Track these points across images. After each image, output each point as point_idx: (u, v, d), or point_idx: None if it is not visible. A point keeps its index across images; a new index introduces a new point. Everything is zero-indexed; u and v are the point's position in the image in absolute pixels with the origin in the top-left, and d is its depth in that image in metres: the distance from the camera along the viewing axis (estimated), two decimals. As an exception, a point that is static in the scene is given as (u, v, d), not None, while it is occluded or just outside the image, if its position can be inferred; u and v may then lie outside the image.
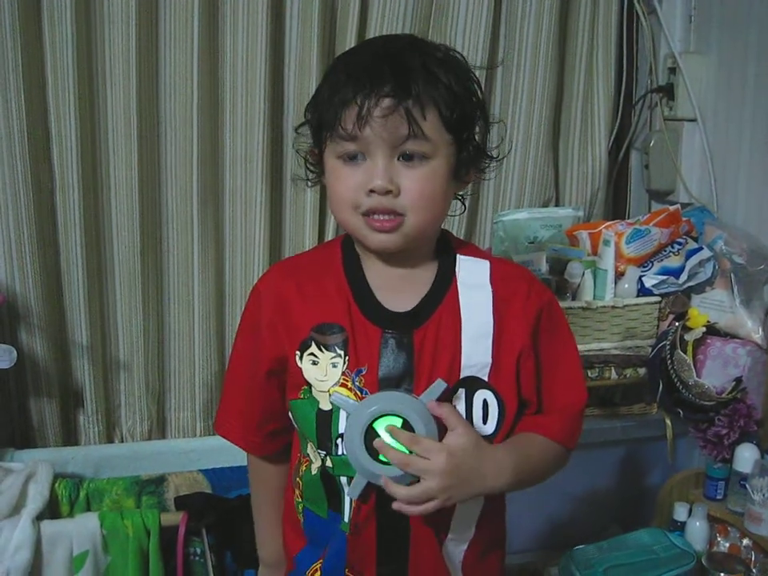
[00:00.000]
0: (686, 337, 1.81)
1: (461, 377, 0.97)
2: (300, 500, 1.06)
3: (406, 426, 0.92)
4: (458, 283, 1.01)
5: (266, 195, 1.97)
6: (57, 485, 1.60)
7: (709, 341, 1.85)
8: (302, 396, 0.99)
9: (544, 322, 1.03)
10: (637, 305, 1.88)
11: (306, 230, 2.02)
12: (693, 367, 1.78)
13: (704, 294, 1.96)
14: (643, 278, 1.91)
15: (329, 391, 0.97)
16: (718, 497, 1.78)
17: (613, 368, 1.84)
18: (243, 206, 1.98)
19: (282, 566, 1.14)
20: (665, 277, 1.91)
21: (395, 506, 0.93)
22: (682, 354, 1.77)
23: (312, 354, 0.98)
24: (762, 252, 1.90)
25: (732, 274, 1.91)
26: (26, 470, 1.58)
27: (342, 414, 0.96)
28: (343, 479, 0.99)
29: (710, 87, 2.11)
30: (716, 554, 1.73)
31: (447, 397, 0.96)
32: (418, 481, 0.92)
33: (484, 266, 1.03)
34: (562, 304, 1.69)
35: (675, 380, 1.77)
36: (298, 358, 0.98)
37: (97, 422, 1.94)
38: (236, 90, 1.92)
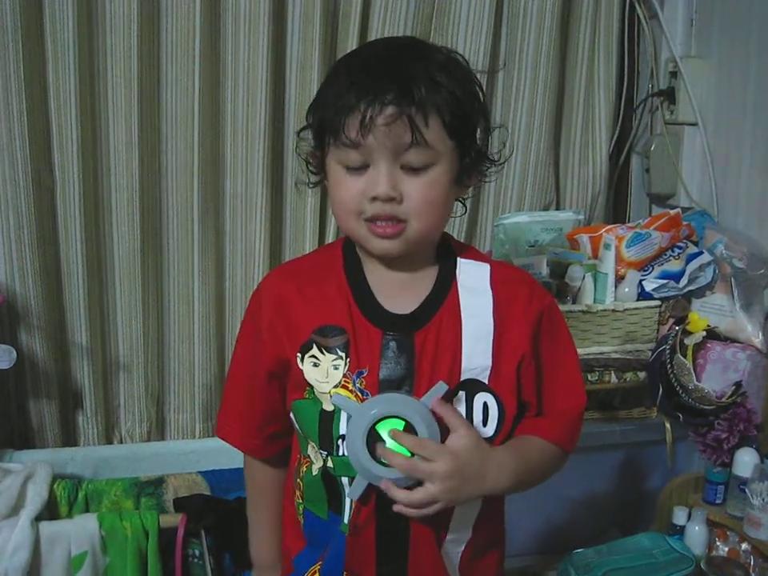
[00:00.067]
0: (686, 341, 1.81)
1: (461, 379, 0.98)
2: (301, 501, 1.06)
3: (408, 428, 0.92)
4: (458, 286, 1.01)
5: (266, 199, 1.97)
6: (56, 486, 1.60)
7: (709, 345, 1.85)
8: (306, 396, 1.00)
9: (545, 326, 1.03)
10: (637, 309, 1.88)
11: (307, 235, 2.02)
12: (693, 371, 1.78)
13: (704, 298, 1.96)
14: (643, 282, 1.91)
15: (329, 393, 0.97)
16: (718, 501, 1.78)
17: (613, 372, 1.84)
18: (244, 210, 1.98)
19: (276, 570, 1.14)
20: (665, 281, 1.92)
21: (396, 508, 0.93)
22: (682, 358, 1.77)
23: (313, 356, 0.98)
24: (762, 256, 1.90)
25: (732, 278, 1.91)
26: (24, 471, 1.58)
27: (344, 415, 0.96)
28: (344, 480, 0.99)
29: (710, 91, 2.11)
30: (715, 558, 1.73)
31: (448, 399, 0.96)
32: (419, 482, 0.92)
33: (484, 269, 1.03)
34: (563, 308, 1.70)
35: (675, 384, 1.77)
36: (299, 359, 0.99)
37: (96, 422, 1.94)
38: (237, 95, 1.92)
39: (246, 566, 1.59)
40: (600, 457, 1.89)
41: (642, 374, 1.85)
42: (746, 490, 1.67)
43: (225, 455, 1.64)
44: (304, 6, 1.93)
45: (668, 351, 1.78)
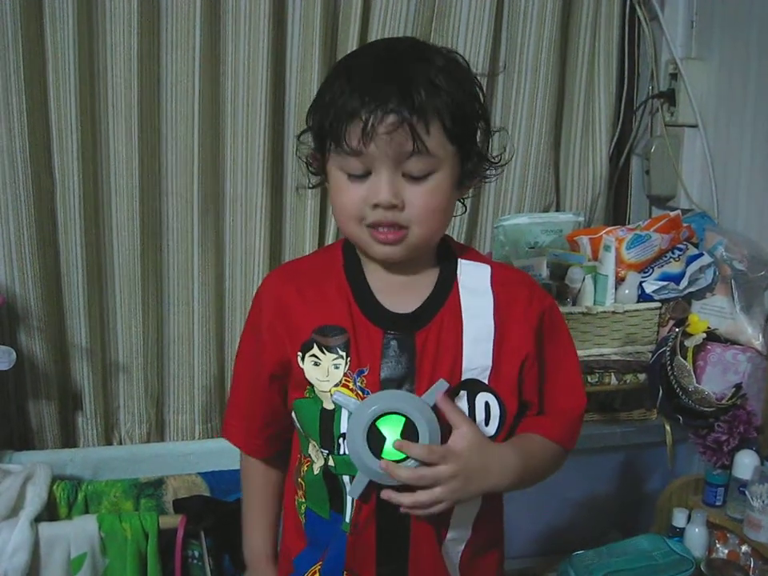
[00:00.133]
0: (686, 343, 1.81)
1: (462, 379, 0.98)
2: (303, 500, 1.06)
3: (409, 424, 0.92)
4: (459, 287, 1.01)
5: (266, 201, 1.97)
6: (55, 487, 1.60)
7: (709, 347, 1.85)
8: (307, 395, 1.00)
9: (546, 328, 1.03)
10: (637, 310, 1.88)
11: (306, 237, 2.02)
12: (693, 373, 1.78)
13: (704, 300, 1.96)
14: (644, 284, 1.91)
15: (330, 391, 0.97)
16: (718, 503, 1.78)
17: (613, 373, 1.84)
18: (243, 213, 1.98)
19: (270, 568, 1.13)
20: (665, 282, 1.91)
21: (403, 510, 0.94)
22: (682, 360, 1.77)
23: (314, 355, 0.98)
24: (762, 258, 1.90)
25: (732, 280, 1.91)
26: (24, 472, 1.57)
27: (344, 414, 0.97)
28: (345, 478, 0.99)
29: (711, 93, 2.11)
30: (715, 560, 1.73)
31: (449, 398, 0.96)
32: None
33: (485, 270, 1.04)
34: (563, 309, 1.69)
35: (675, 386, 1.77)
36: (299, 359, 0.99)
37: (95, 424, 1.94)
38: (237, 97, 1.92)
39: (246, 567, 1.59)
40: (600, 458, 1.89)
41: (642, 376, 1.85)
42: (746, 492, 1.66)
43: (224, 456, 1.65)
44: (304, 7, 1.93)
45: (668, 353, 1.78)
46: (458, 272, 1.02)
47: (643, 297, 1.91)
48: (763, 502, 1.62)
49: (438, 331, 0.98)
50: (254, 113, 1.92)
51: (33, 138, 1.77)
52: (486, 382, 0.98)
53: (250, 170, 1.95)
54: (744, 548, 1.74)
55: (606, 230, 1.99)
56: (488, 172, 1.03)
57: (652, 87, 2.27)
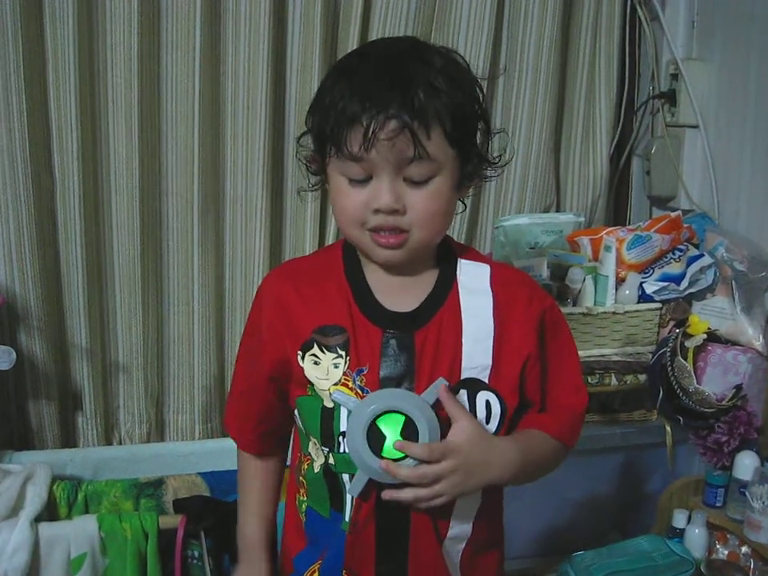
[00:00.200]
0: (687, 344, 1.81)
1: (461, 378, 0.98)
2: (304, 499, 1.06)
3: (409, 423, 0.92)
4: (459, 287, 1.01)
5: (266, 203, 1.97)
6: (55, 487, 1.60)
7: (709, 348, 1.85)
8: (309, 393, 1.00)
9: (547, 327, 1.03)
10: (637, 311, 1.88)
11: (307, 238, 2.02)
12: (693, 374, 1.78)
13: (705, 300, 1.96)
14: (644, 285, 1.91)
15: (329, 390, 0.97)
16: (718, 504, 1.78)
17: (613, 374, 1.84)
18: (244, 213, 1.98)
19: (262, 556, 1.12)
20: (666, 283, 1.91)
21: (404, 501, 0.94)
22: (683, 360, 1.77)
23: (314, 354, 0.99)
24: (763, 259, 1.90)
25: (733, 281, 1.91)
26: (24, 472, 1.57)
27: (344, 412, 0.97)
28: (345, 477, 1.00)
29: (712, 94, 2.11)
30: (715, 561, 1.73)
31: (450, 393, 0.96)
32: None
33: (485, 270, 1.04)
34: (563, 310, 1.69)
35: (675, 387, 1.77)
36: (299, 357, 0.99)
37: (95, 424, 1.94)
38: (237, 97, 1.92)
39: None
40: (600, 459, 1.89)
41: (642, 377, 1.85)
42: (746, 493, 1.66)
43: (224, 457, 1.65)
44: (304, 7, 1.93)
45: (668, 354, 1.78)
46: (458, 272, 1.02)
47: (644, 297, 1.90)
48: (763, 503, 1.62)
49: (438, 330, 0.98)
50: (254, 112, 1.92)
51: (33, 138, 1.77)
52: (486, 381, 0.98)
53: (250, 170, 1.95)
54: (744, 549, 1.74)
55: (607, 230, 1.99)
56: (488, 173, 1.03)
57: (653, 87, 2.27)
